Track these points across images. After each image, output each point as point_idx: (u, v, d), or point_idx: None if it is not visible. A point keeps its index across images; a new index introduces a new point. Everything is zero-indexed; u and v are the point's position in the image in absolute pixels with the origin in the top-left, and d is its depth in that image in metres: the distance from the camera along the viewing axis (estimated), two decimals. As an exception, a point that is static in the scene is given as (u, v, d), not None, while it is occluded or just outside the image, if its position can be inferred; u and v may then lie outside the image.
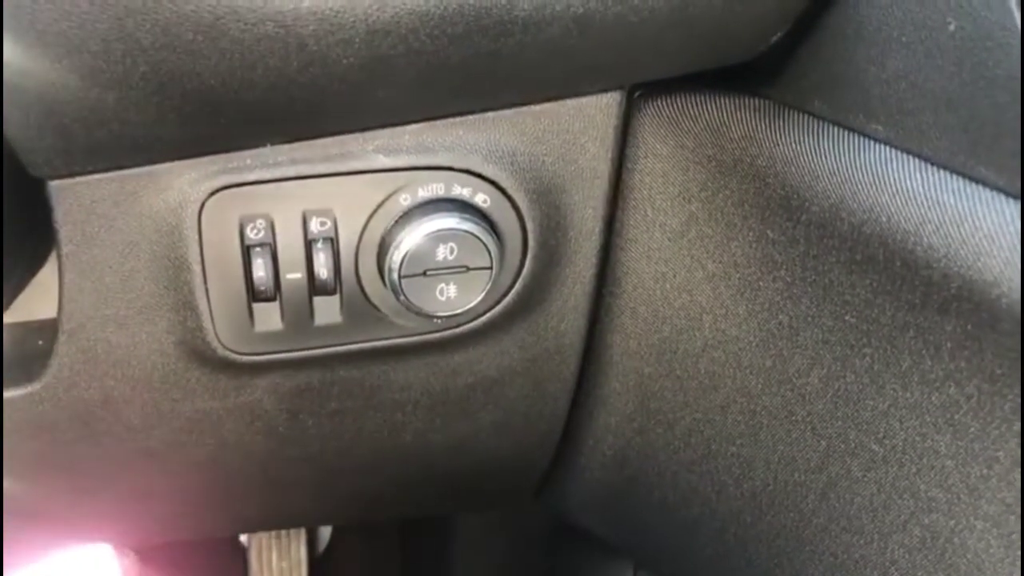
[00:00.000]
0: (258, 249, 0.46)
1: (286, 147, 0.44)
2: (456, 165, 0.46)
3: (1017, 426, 0.37)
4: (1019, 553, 0.39)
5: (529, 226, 0.48)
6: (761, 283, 0.46)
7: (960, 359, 0.38)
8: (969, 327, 0.37)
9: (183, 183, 0.43)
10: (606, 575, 0.79)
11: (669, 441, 0.55)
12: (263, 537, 1.09)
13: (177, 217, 0.44)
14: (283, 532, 1.10)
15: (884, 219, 0.39)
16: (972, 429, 0.39)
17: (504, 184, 0.47)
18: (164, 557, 0.98)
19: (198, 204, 0.44)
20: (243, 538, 1.11)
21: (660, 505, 0.58)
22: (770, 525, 0.50)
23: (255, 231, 0.45)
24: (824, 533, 0.47)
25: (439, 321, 0.50)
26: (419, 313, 0.48)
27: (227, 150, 0.43)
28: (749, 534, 0.52)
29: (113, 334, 0.47)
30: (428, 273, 0.46)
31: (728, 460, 0.51)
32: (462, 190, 0.46)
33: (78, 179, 0.42)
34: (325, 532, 1.18)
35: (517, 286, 0.50)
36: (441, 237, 0.46)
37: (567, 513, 0.67)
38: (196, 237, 0.44)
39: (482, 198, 0.47)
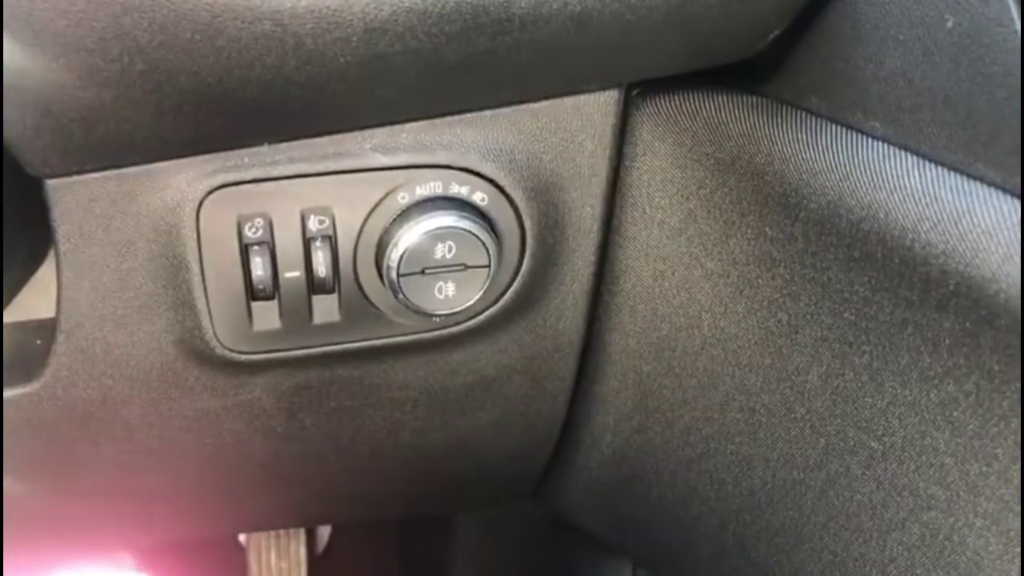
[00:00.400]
0: (256, 248, 0.46)
1: (284, 145, 0.44)
2: (454, 163, 0.46)
3: (1016, 423, 0.37)
4: (1018, 550, 0.39)
5: (527, 224, 0.48)
6: (760, 281, 0.46)
7: (958, 356, 0.38)
8: (967, 324, 0.37)
9: (181, 182, 0.43)
10: (605, 574, 0.79)
11: (668, 439, 0.55)
12: (262, 537, 1.09)
13: (175, 216, 0.44)
14: (282, 532, 1.10)
15: (882, 216, 0.39)
16: (971, 426, 0.39)
17: (502, 182, 0.47)
18: (163, 558, 0.98)
19: (196, 203, 0.44)
20: (242, 538, 1.11)
21: (659, 503, 0.58)
22: (769, 523, 0.50)
23: (253, 230, 0.45)
24: (823, 531, 0.47)
25: (437, 319, 0.50)
26: (417, 311, 0.48)
27: (225, 148, 0.43)
28: (748, 532, 0.52)
29: (111, 333, 0.47)
30: (426, 271, 0.46)
31: (727, 458, 0.51)
32: (460, 188, 0.46)
33: (76, 178, 0.42)
34: (324, 532, 1.18)
35: (515, 284, 0.50)
36: (439, 235, 0.46)
37: (566, 512, 0.67)
38: (194, 236, 0.44)
39: (480, 196, 0.47)
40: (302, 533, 1.12)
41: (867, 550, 0.45)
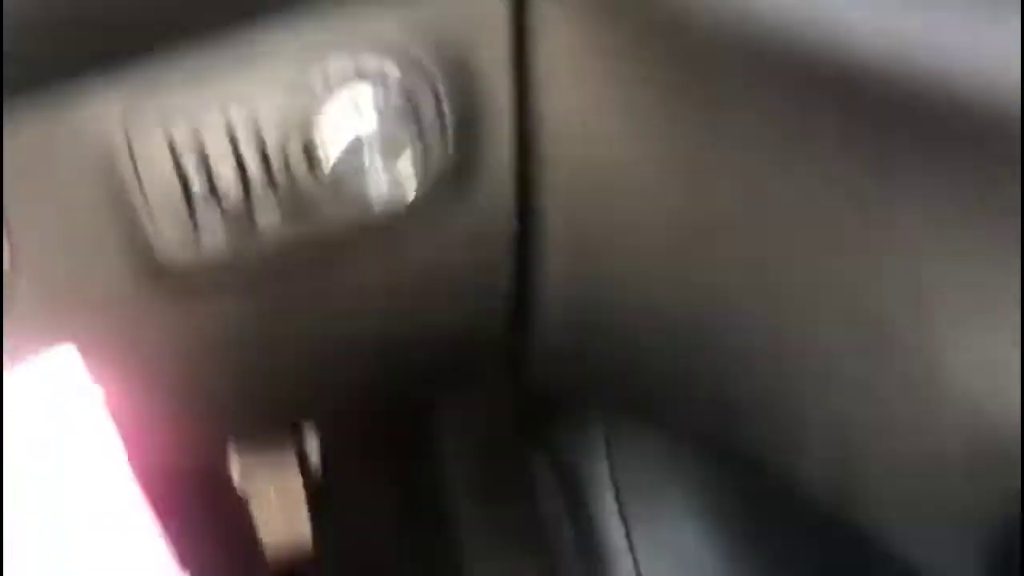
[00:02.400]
0: (188, 156, 0.46)
1: (198, 52, 0.45)
2: (368, 43, 0.46)
3: None
4: None
5: (444, 102, 0.49)
6: (671, 117, 0.48)
7: None
8: None
9: (104, 102, 0.44)
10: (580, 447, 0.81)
11: (620, 288, 0.57)
12: (259, 479, 1.11)
13: (105, 135, 0.45)
14: (280, 472, 1.12)
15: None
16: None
17: (417, 58, 0.47)
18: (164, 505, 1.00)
19: (122, 121, 0.44)
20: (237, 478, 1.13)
21: (624, 348, 0.60)
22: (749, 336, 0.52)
23: (181, 138, 0.46)
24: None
25: (373, 204, 0.51)
26: (352, 198, 0.49)
27: (138, 60, 0.44)
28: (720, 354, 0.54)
29: (63, 265, 0.48)
30: (357, 160, 0.48)
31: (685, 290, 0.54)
32: (377, 67, 0.47)
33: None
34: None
35: (444, 164, 0.51)
36: (363, 119, 0.47)
37: (541, 382, 0.69)
38: (127, 152, 0.45)
39: (398, 75, 0.48)
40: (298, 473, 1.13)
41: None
